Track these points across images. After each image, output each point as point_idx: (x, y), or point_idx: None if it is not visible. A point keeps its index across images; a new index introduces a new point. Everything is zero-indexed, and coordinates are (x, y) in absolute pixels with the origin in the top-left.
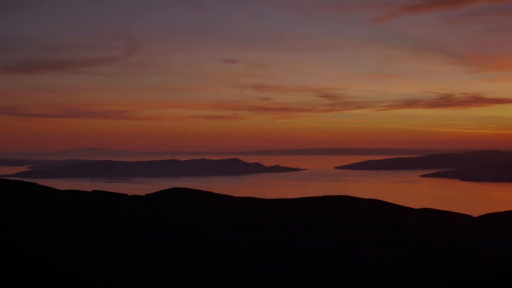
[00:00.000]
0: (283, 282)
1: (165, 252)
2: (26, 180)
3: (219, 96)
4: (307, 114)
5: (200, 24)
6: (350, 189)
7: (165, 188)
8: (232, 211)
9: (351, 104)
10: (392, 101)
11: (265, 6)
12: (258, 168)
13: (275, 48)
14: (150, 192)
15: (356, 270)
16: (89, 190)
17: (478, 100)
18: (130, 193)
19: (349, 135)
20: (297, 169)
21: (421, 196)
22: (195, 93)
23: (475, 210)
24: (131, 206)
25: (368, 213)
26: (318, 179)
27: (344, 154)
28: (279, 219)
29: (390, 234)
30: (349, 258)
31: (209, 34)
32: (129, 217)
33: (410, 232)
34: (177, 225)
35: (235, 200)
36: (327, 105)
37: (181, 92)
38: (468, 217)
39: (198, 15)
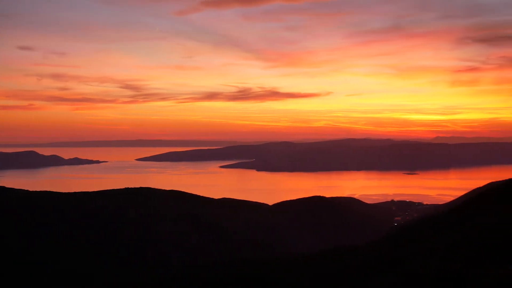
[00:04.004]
0: (84, 279)
1: None
2: None
3: (13, 85)
4: (108, 105)
5: None
6: (152, 180)
7: None
8: (28, 207)
9: (153, 96)
10: (193, 94)
11: None
12: (56, 161)
13: (76, 37)
14: None
15: (157, 261)
16: None
17: (273, 94)
18: None
19: (151, 127)
20: (97, 162)
21: (221, 186)
22: None
23: (271, 198)
24: None
25: (170, 204)
26: (119, 171)
27: (145, 146)
28: (79, 213)
29: (192, 224)
30: (151, 249)
31: (1, 18)
32: None
33: (211, 222)
34: None
35: (32, 194)
36: (129, 97)
37: None
38: (265, 205)
39: None
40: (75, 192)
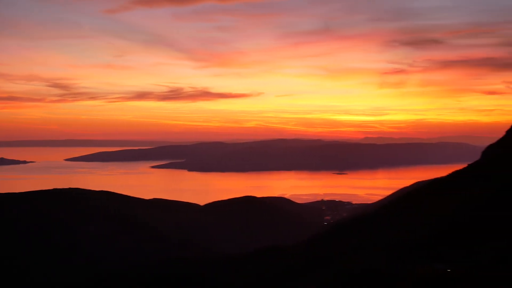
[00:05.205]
0: (12, 280)
1: None
2: None
3: None
4: (35, 104)
5: None
6: (81, 181)
7: None
8: None
9: (82, 95)
10: (124, 93)
11: None
12: None
13: (2, 34)
14: None
15: (87, 262)
16: None
17: (205, 94)
18: None
19: (80, 126)
20: (24, 162)
21: (151, 186)
22: None
23: (202, 198)
24: None
25: (100, 205)
26: (47, 172)
27: (74, 146)
28: (4, 215)
29: (122, 225)
30: (81, 250)
31: None
32: None
33: (142, 222)
34: None
35: None
36: (57, 96)
37: None
38: (196, 205)
39: None
40: (0, 194)
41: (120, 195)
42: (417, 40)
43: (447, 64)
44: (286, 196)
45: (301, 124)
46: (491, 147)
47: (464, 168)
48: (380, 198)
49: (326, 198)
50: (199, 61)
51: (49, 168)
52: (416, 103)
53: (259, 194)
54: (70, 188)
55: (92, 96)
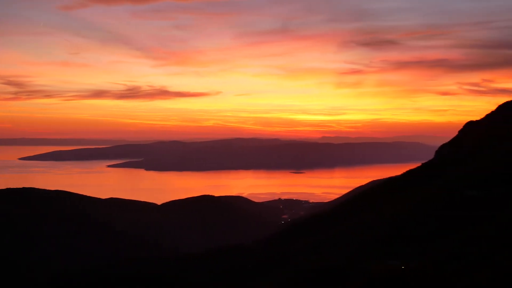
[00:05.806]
0: None
1: None
2: None
3: None
4: None
5: None
6: (36, 180)
7: None
8: None
9: (37, 93)
10: (80, 91)
11: None
12: None
13: None
14: None
15: (41, 263)
16: None
17: (163, 93)
18: None
19: (34, 125)
20: None
21: (108, 186)
22: None
23: (160, 198)
24: None
25: (55, 205)
26: (0, 171)
27: (29, 145)
28: None
29: (78, 225)
30: (34, 251)
31: None
32: None
33: (99, 222)
34: None
35: None
36: (11, 93)
37: None
38: (153, 205)
39: None
40: None
41: (76, 194)
42: (374, 41)
43: (402, 65)
44: (244, 195)
45: (259, 124)
46: (444, 147)
47: (418, 167)
48: (336, 196)
49: (283, 197)
50: (157, 60)
51: (3, 167)
52: (372, 103)
53: (217, 193)
54: (24, 188)
55: (47, 94)
